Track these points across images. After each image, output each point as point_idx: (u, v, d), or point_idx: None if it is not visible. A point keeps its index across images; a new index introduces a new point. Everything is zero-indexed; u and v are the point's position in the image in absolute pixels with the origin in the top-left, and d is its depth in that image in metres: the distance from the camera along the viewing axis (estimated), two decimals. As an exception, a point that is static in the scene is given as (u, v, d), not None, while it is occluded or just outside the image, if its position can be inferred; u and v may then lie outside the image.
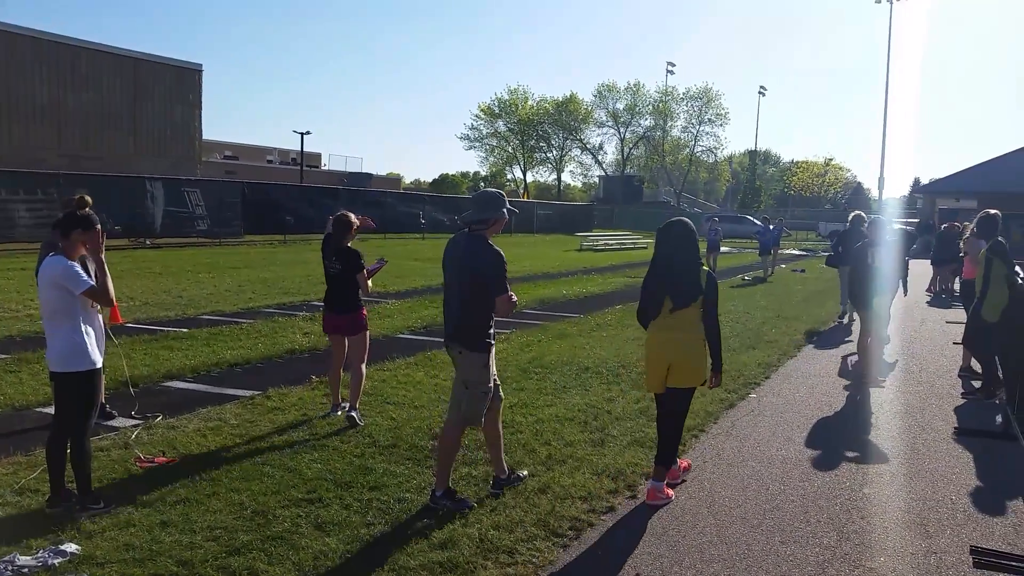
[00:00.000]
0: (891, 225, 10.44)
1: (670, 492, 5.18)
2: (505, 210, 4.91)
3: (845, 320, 13.29)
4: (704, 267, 5.20)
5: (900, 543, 4.57)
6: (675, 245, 5.21)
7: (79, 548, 4.12)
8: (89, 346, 4.70)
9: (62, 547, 4.11)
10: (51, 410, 6.67)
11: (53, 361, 4.68)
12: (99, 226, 4.82)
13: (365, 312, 6.86)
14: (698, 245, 5.30)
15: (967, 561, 4.33)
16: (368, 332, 6.89)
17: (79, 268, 4.64)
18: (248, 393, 7.45)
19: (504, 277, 4.80)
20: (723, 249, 30.22)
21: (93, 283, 4.65)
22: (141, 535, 4.31)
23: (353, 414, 6.53)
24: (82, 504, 4.63)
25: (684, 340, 5.12)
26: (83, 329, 4.67)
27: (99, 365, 4.83)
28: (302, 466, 5.43)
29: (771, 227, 24.04)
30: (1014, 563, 4.30)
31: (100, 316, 5.13)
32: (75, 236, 4.67)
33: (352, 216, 6.76)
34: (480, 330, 4.85)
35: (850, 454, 6.23)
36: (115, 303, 4.90)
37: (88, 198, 5.75)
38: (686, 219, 5.36)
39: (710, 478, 5.56)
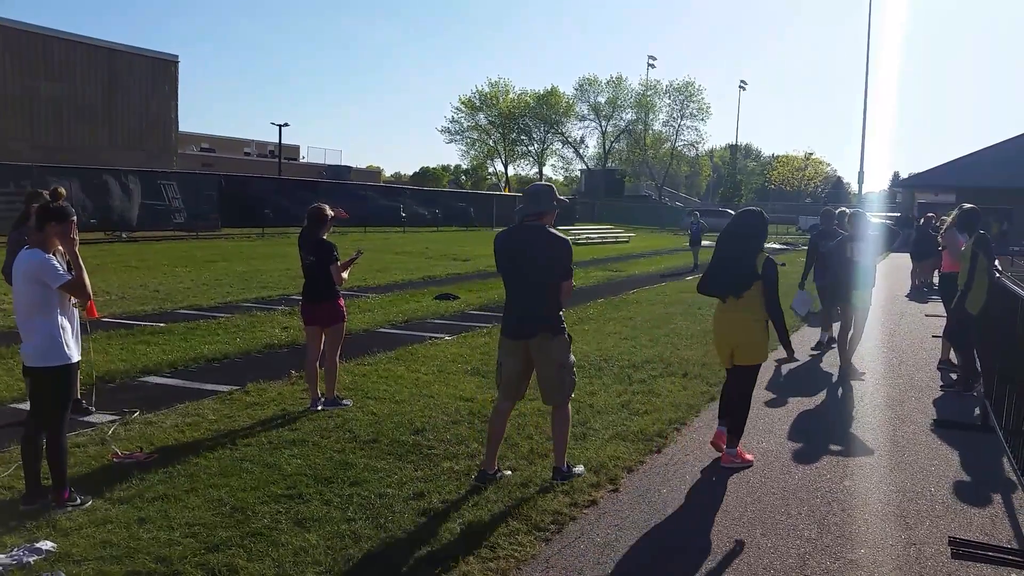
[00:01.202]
0: (873, 219, 10.41)
1: (747, 456, 5.79)
2: (555, 202, 5.15)
3: (825, 340, 10.62)
4: (763, 253, 5.69)
5: (880, 535, 4.60)
6: (727, 239, 5.86)
7: (55, 546, 4.06)
8: (65, 341, 4.61)
9: (38, 545, 4.04)
10: (26, 406, 6.60)
11: (29, 356, 4.59)
12: (74, 218, 4.73)
13: (342, 303, 6.85)
14: (757, 234, 5.77)
15: (945, 552, 4.37)
16: (344, 324, 6.92)
17: (56, 261, 4.56)
18: (226, 388, 7.37)
19: (572, 263, 5.15)
20: (705, 243, 30.31)
21: (70, 277, 4.57)
22: (119, 532, 4.24)
23: (335, 400, 6.73)
24: (58, 501, 4.56)
25: (745, 321, 5.69)
26: (60, 323, 4.59)
27: (76, 360, 4.75)
28: (282, 462, 5.38)
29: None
30: (991, 553, 4.34)
31: (76, 311, 5.05)
32: (49, 229, 4.58)
33: (327, 208, 6.79)
34: (559, 314, 5.16)
35: (830, 447, 6.27)
36: (92, 297, 4.81)
37: (62, 189, 5.68)
38: (753, 208, 6.00)
39: (692, 471, 5.57)
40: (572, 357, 5.24)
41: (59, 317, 4.60)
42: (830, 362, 9.48)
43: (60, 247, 4.73)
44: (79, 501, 4.60)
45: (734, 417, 5.78)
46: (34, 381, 4.66)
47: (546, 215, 5.12)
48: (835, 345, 9.42)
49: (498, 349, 5.32)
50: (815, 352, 10.31)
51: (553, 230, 5.12)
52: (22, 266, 4.55)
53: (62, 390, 4.63)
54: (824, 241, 10.39)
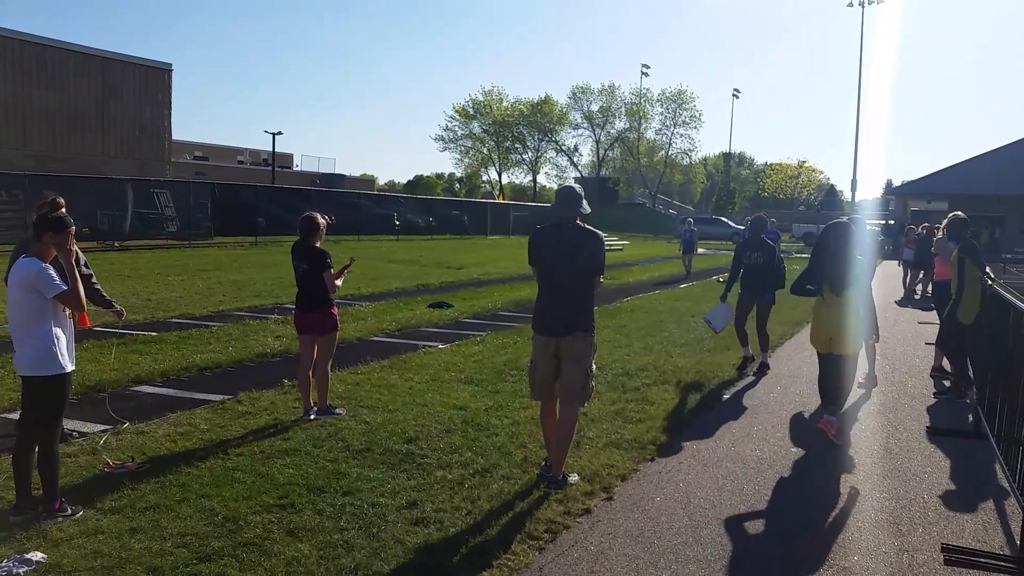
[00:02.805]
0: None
1: (834, 432, 6.46)
2: (580, 209, 5.32)
3: (750, 356, 9.55)
4: (858, 258, 6.62)
5: (873, 542, 4.61)
6: (835, 243, 6.69)
7: (45, 557, 4.03)
8: (60, 350, 4.59)
9: (28, 556, 4.01)
10: (15, 415, 6.57)
11: (23, 365, 4.57)
12: (72, 228, 4.71)
13: (335, 311, 6.85)
14: (856, 242, 6.68)
15: (938, 559, 4.38)
16: (337, 332, 6.92)
17: (52, 271, 4.53)
18: (219, 397, 7.34)
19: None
20: (699, 250, 30.37)
21: (65, 287, 4.54)
22: (110, 542, 4.22)
23: (328, 409, 6.75)
24: (48, 512, 4.52)
25: (842, 316, 6.56)
26: (55, 333, 4.57)
27: (70, 369, 4.72)
28: (274, 471, 5.36)
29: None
30: (984, 560, 4.35)
31: (71, 320, 5.02)
32: (47, 238, 4.56)
33: (318, 216, 6.83)
34: (592, 312, 5.36)
35: (824, 453, 6.28)
36: (85, 307, 4.79)
37: (61, 199, 5.64)
38: (846, 220, 6.90)
39: (685, 479, 5.57)
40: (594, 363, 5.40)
41: (54, 327, 4.57)
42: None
43: (58, 255, 4.70)
44: (70, 512, 4.57)
45: (831, 392, 6.72)
46: (28, 390, 4.62)
47: (576, 219, 5.32)
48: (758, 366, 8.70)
49: (532, 348, 5.49)
50: (748, 372, 9.19)
51: (588, 227, 5.36)
52: (18, 274, 4.53)
53: (56, 400, 4.60)
54: (749, 252, 9.32)
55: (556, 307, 5.30)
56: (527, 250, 5.48)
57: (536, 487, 5.20)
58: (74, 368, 4.76)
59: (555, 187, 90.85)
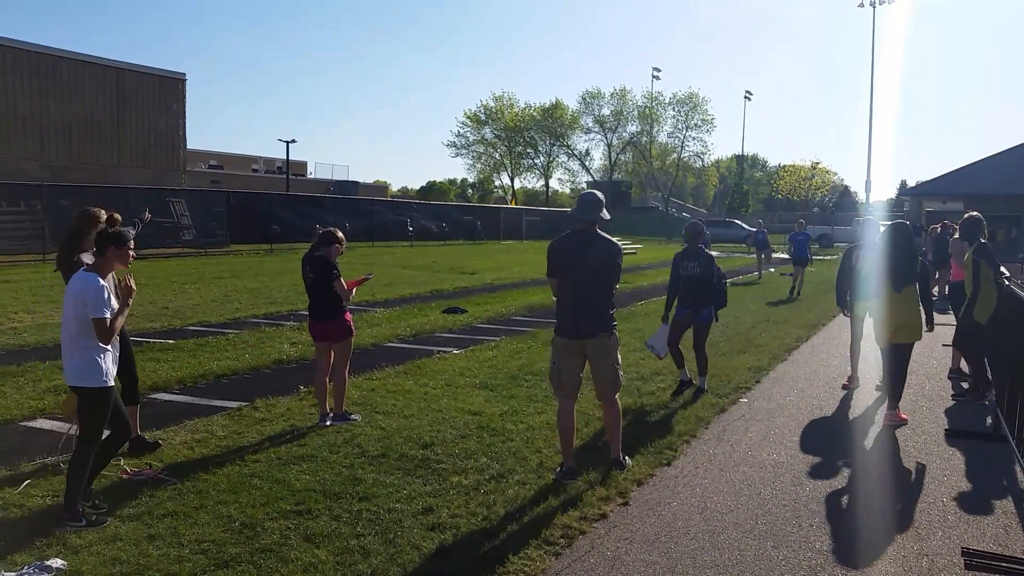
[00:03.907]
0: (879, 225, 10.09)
1: (903, 416, 7.20)
2: (601, 215, 5.53)
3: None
4: (918, 257, 7.44)
5: (892, 546, 4.57)
6: (895, 243, 7.28)
7: (65, 564, 4.06)
8: (105, 364, 4.73)
9: (48, 562, 4.05)
10: (36, 424, 6.65)
11: (69, 375, 4.75)
12: (131, 242, 4.90)
13: (349, 317, 6.88)
14: (912, 239, 7.47)
15: (959, 563, 4.34)
16: (352, 338, 6.95)
17: (108, 295, 4.67)
18: (235, 404, 7.38)
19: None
20: (712, 253, 30.25)
21: (107, 316, 4.63)
22: (128, 549, 4.25)
23: (344, 415, 6.76)
24: (65, 518, 4.55)
25: (907, 308, 7.19)
26: (101, 347, 4.70)
27: (112, 384, 4.83)
28: (291, 477, 5.38)
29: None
30: (1005, 564, 4.30)
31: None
32: (110, 253, 4.76)
33: (337, 231, 6.84)
34: (612, 312, 5.62)
35: (841, 458, 6.23)
36: (109, 340, 4.81)
37: (117, 215, 5.84)
38: (904, 222, 7.66)
39: (702, 483, 5.55)
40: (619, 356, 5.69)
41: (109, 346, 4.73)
42: (836, 374, 9.42)
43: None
44: (83, 523, 4.57)
45: (893, 385, 7.25)
46: (78, 398, 4.80)
47: (596, 224, 5.53)
48: (702, 391, 7.93)
49: (553, 351, 5.67)
50: (681, 399, 7.99)
51: (607, 235, 5.61)
52: (76, 286, 4.69)
53: (95, 411, 4.73)
54: (685, 262, 8.33)
55: (580, 312, 5.50)
56: (546, 259, 5.62)
57: (553, 492, 5.20)
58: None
59: (568, 191, 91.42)
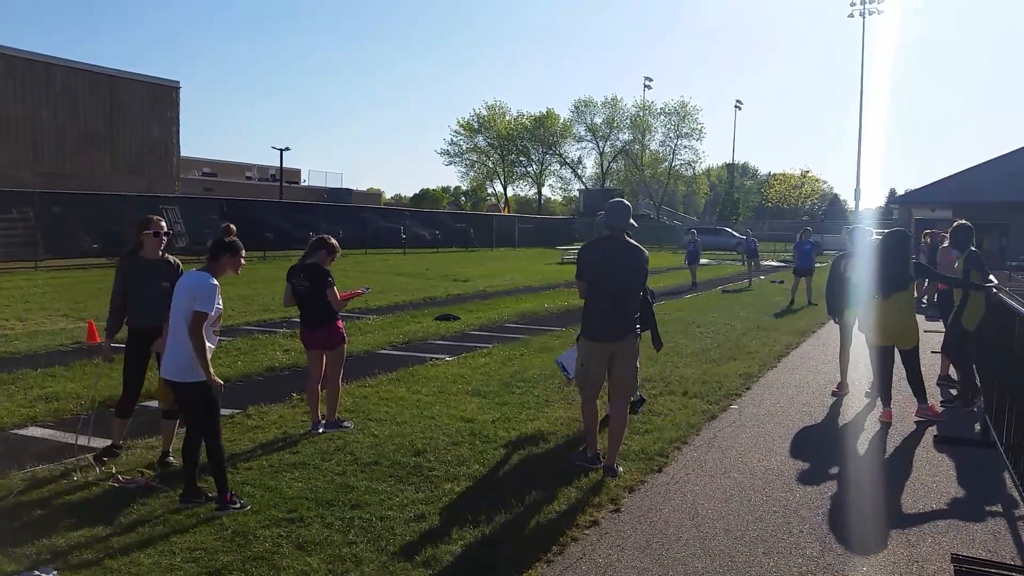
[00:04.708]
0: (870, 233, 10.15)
1: (938, 410, 7.67)
2: (629, 221, 5.80)
3: (843, 393, 8.85)
4: (912, 260, 7.60)
5: (882, 552, 4.60)
6: (894, 249, 7.52)
7: (57, 573, 4.05)
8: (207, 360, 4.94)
9: (38, 572, 4.04)
10: (28, 432, 6.64)
11: (170, 371, 4.97)
12: (243, 252, 5.19)
13: (341, 324, 6.87)
14: (908, 247, 7.71)
15: (948, 569, 4.37)
16: (345, 345, 6.94)
17: (218, 293, 4.92)
18: (227, 412, 7.36)
19: None
20: (703, 261, 30.37)
21: (213, 313, 4.89)
22: (120, 557, 4.24)
23: (336, 422, 6.79)
24: (220, 504, 4.86)
25: (902, 312, 7.41)
26: (206, 345, 4.88)
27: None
28: (283, 485, 5.39)
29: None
30: (995, 570, 4.33)
31: (217, 336, 5.34)
32: (225, 260, 5.07)
33: (329, 238, 6.88)
34: (637, 317, 5.92)
35: (831, 464, 6.27)
36: (204, 341, 4.91)
37: (232, 226, 6.11)
38: (903, 229, 7.90)
39: (693, 490, 5.57)
40: None
41: (203, 337, 4.91)
42: (826, 381, 9.47)
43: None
44: (238, 504, 4.90)
45: (913, 385, 7.64)
46: (178, 395, 5.06)
47: (626, 231, 5.80)
48: (641, 409, 7.40)
49: (581, 354, 5.94)
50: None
51: (636, 242, 5.89)
52: (190, 280, 4.92)
53: (209, 402, 4.96)
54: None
55: (612, 314, 5.77)
56: (577, 263, 5.82)
57: (545, 500, 5.21)
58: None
59: (560, 199, 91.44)
